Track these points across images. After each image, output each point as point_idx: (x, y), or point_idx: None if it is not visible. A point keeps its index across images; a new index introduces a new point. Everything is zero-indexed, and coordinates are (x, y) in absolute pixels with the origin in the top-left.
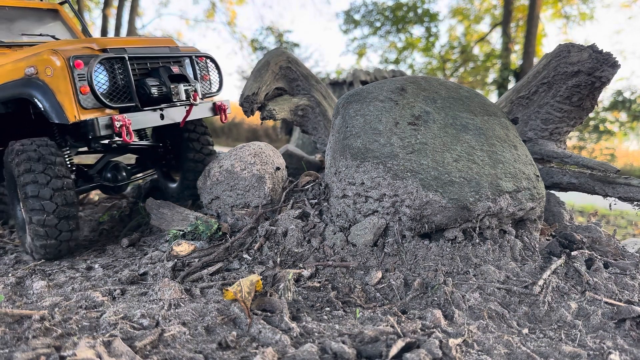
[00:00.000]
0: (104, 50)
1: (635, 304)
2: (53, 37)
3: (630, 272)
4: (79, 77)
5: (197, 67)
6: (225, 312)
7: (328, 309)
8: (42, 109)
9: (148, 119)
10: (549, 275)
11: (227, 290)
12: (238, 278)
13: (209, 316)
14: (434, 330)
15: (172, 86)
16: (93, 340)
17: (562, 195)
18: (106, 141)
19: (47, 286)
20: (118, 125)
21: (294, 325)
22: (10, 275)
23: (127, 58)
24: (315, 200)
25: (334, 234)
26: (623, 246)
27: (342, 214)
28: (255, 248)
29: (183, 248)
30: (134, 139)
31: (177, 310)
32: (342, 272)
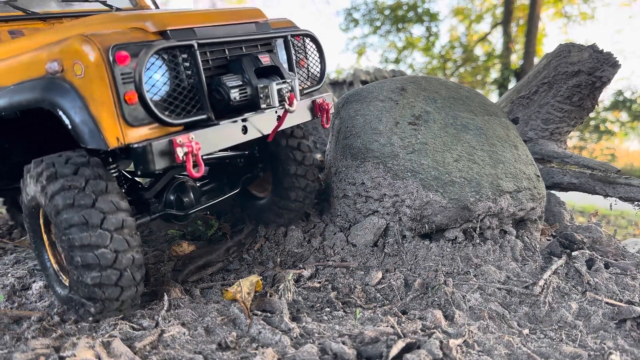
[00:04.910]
0: (163, 34)
1: (636, 304)
2: (104, 2)
3: (630, 272)
4: (123, 78)
5: (293, 52)
6: (225, 313)
7: (328, 309)
8: (69, 127)
9: (225, 136)
10: (549, 276)
11: (226, 290)
12: (238, 278)
13: (209, 317)
14: (435, 330)
15: (260, 86)
16: (92, 340)
17: (562, 196)
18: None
19: (47, 286)
20: (181, 154)
21: (293, 325)
22: (9, 275)
23: (196, 46)
24: (316, 200)
25: (334, 234)
26: (623, 246)
27: (342, 214)
28: (255, 248)
29: (183, 248)
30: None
31: (176, 310)
32: (342, 273)
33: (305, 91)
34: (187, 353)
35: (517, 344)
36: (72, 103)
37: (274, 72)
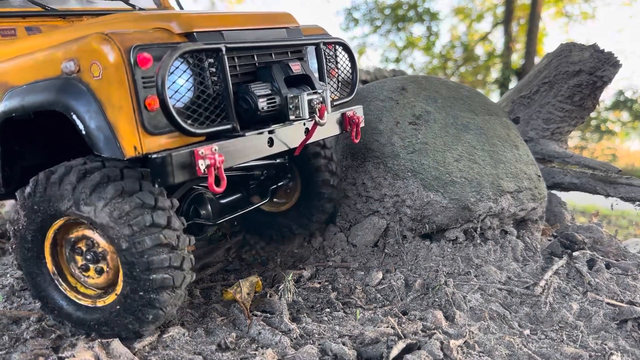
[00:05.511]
0: (189, 36)
1: (637, 304)
2: (126, 1)
3: (632, 273)
4: (144, 82)
5: (324, 61)
6: (224, 313)
7: (328, 310)
8: (83, 132)
9: (250, 148)
10: (550, 276)
11: (226, 291)
12: (238, 279)
13: (209, 317)
14: (435, 331)
15: (290, 95)
16: (91, 341)
17: (563, 196)
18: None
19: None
20: (203, 167)
21: (293, 326)
22: (9, 275)
23: (224, 51)
24: None
25: (334, 234)
26: (624, 246)
27: (342, 214)
28: (254, 249)
29: None
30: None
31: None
32: (342, 273)
33: (335, 103)
34: (186, 354)
35: (518, 345)
36: (87, 107)
37: (303, 81)
